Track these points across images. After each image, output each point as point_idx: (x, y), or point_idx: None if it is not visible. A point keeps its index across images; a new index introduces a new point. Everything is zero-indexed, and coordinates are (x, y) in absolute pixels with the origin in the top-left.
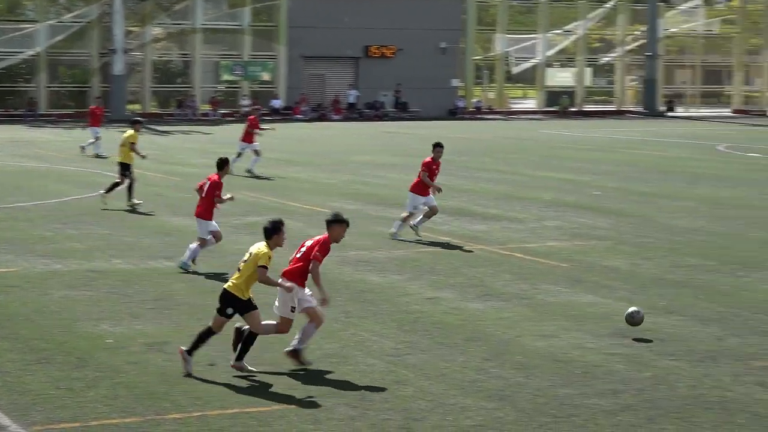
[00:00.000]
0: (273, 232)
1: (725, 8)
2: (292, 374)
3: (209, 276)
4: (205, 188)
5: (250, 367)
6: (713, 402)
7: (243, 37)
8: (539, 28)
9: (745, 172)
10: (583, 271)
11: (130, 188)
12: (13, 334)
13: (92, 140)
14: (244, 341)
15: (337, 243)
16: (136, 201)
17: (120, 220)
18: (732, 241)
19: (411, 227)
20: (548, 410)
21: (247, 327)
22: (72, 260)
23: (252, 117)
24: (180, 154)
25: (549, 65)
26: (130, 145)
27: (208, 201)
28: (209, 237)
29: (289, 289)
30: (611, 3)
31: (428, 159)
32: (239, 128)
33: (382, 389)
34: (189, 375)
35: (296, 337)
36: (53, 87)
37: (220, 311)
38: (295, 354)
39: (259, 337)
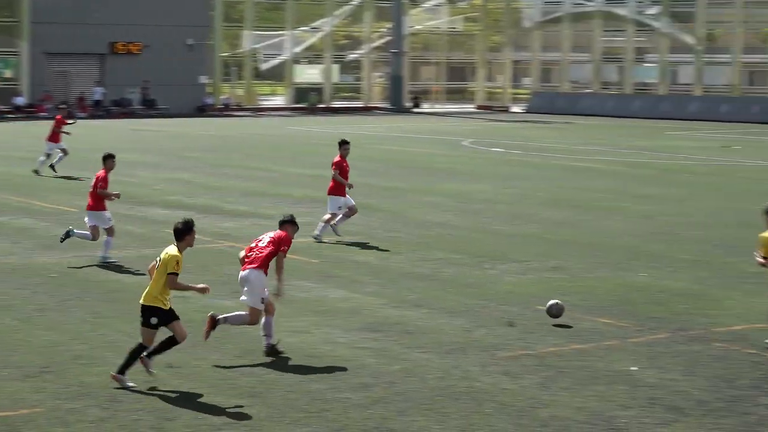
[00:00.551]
0: (185, 232)
1: (468, 6)
2: (39, 377)
3: None
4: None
5: (152, 370)
6: (462, 392)
7: None
8: (287, 25)
9: (489, 167)
10: (333, 266)
11: None
12: None
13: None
14: (161, 344)
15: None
16: None
17: None
18: (478, 235)
19: (331, 227)
20: (300, 405)
21: (223, 316)
22: None
23: (59, 117)
24: None
25: (297, 62)
26: None
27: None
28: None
29: (203, 290)
30: (357, 0)
31: (337, 158)
32: None
33: (134, 389)
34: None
35: (263, 335)
36: None
37: (145, 323)
38: (273, 349)
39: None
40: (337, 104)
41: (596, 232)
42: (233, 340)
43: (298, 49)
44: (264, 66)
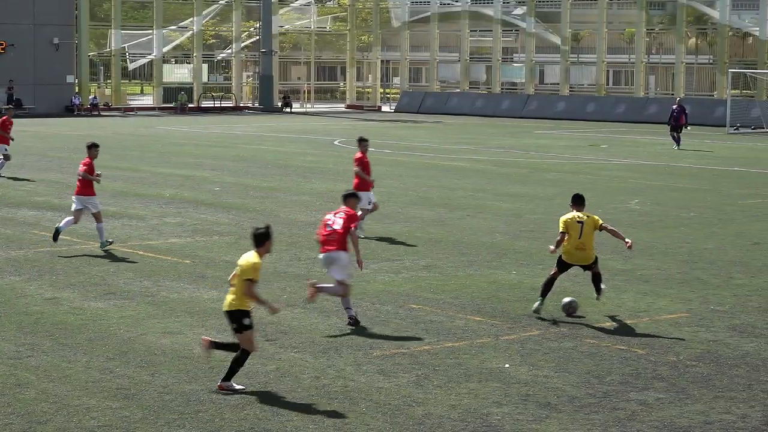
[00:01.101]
0: (266, 237)
1: (336, 6)
2: None
3: None
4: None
5: (237, 386)
6: (337, 392)
7: None
8: (155, 24)
9: None
10: (205, 267)
11: None
12: None
13: None
14: (235, 360)
15: None
16: None
17: None
18: None
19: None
20: (175, 407)
21: (321, 285)
22: None
23: (5, 117)
24: None
25: (165, 61)
26: None
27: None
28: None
29: (275, 310)
30: (225, 0)
31: (359, 154)
32: None
33: (3, 394)
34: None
35: (345, 308)
36: None
37: (237, 329)
38: (356, 320)
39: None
40: (206, 104)
41: (466, 230)
42: (104, 342)
43: (166, 49)
44: (132, 65)
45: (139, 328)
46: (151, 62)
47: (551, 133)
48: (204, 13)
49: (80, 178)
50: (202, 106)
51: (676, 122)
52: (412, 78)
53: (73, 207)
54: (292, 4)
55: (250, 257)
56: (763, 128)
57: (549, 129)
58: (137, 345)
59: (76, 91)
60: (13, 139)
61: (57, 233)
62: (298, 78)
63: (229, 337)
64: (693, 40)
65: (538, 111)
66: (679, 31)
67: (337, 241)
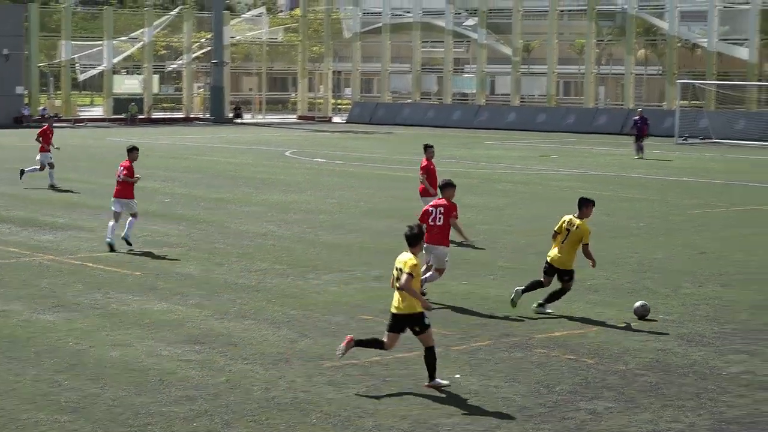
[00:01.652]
0: (420, 237)
1: (288, 17)
2: None
3: None
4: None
5: (443, 381)
6: (287, 403)
7: None
8: (105, 35)
9: (310, 177)
10: (156, 278)
11: None
12: None
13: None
14: (427, 362)
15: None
16: None
17: None
18: (300, 245)
19: None
20: (124, 420)
21: (423, 277)
22: None
23: (46, 126)
24: None
25: (116, 72)
26: None
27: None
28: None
29: (427, 307)
30: (176, 11)
31: (424, 162)
32: None
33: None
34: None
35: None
36: None
37: (420, 332)
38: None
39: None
40: (157, 115)
41: None
42: (52, 355)
43: (116, 60)
44: (82, 76)
45: (88, 340)
46: (101, 73)
47: (502, 143)
48: (155, 24)
49: (120, 180)
50: (153, 117)
51: (639, 132)
52: (363, 89)
53: (113, 209)
54: (243, 15)
55: (407, 258)
56: (711, 138)
57: (500, 139)
58: (86, 357)
59: (26, 102)
60: (58, 148)
61: (111, 246)
62: (250, 89)
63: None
64: (642, 52)
65: (489, 122)
66: (628, 42)
67: (439, 234)
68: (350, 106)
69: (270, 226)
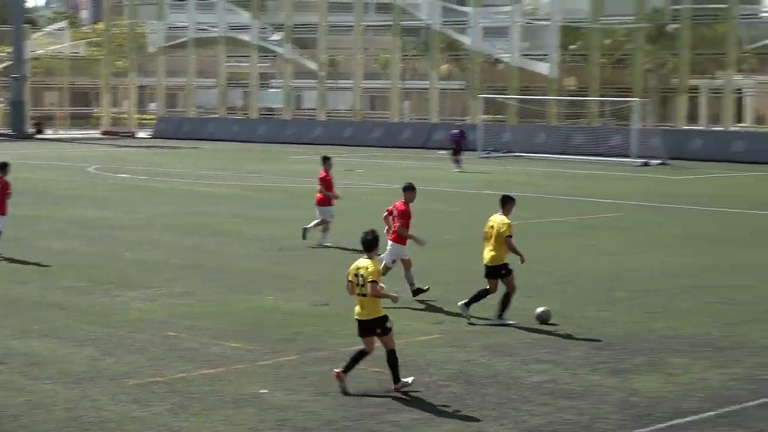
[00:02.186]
0: (376, 241)
1: (91, 31)
2: None
3: None
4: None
5: (408, 380)
6: (91, 422)
7: None
8: None
9: (114, 193)
10: None
11: None
12: None
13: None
14: (390, 363)
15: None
16: None
17: None
18: (105, 261)
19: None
20: None
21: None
22: None
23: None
24: None
25: None
26: None
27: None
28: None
29: (394, 299)
30: None
31: (322, 173)
32: None
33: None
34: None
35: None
36: None
37: (382, 332)
38: (418, 291)
39: None
40: None
41: (222, 256)
42: None
43: None
44: None
45: None
46: None
47: (308, 158)
48: None
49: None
50: None
51: (458, 146)
52: (169, 104)
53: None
54: (45, 29)
55: (366, 263)
56: (514, 152)
57: (306, 154)
58: None
59: None
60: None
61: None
62: (52, 104)
63: None
64: (446, 66)
65: (296, 136)
66: (432, 57)
67: (395, 233)
68: (155, 121)
69: (72, 243)
